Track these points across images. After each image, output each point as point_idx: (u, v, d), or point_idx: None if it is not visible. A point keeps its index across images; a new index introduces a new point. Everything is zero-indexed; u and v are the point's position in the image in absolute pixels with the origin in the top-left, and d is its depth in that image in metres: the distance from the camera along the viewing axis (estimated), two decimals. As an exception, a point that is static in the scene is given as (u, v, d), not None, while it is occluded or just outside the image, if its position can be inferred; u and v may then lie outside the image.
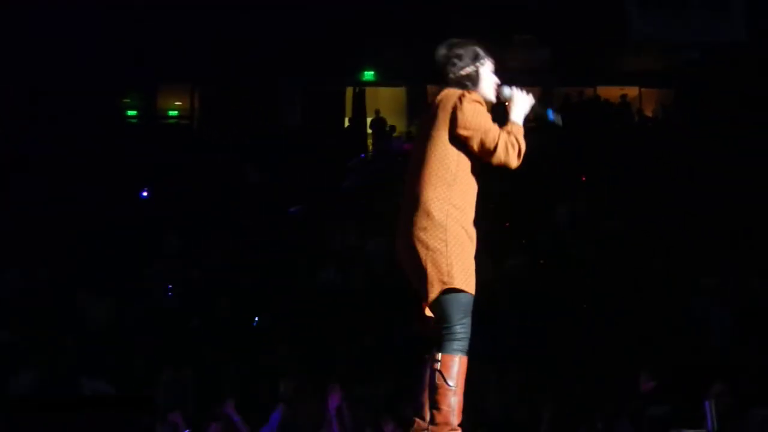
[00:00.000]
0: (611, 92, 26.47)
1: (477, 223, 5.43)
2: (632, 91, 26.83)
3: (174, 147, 22.85)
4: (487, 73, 5.57)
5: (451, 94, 5.45)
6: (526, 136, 5.42)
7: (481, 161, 5.37)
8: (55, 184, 20.34)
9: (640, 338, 16.28)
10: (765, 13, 21.83)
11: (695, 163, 23.06)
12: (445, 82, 5.55)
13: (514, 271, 17.77)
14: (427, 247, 5.25)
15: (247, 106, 24.65)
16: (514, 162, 5.32)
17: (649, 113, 26.90)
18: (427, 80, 26.85)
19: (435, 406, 5.24)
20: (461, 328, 5.28)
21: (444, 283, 5.22)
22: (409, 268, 5.36)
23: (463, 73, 5.51)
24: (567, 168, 22.44)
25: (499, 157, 5.29)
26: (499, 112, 5.61)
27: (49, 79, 23.69)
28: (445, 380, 5.22)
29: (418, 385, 5.38)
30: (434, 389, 5.24)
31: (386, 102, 26.48)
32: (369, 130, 25.35)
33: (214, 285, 17.05)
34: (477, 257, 5.42)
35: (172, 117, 26.87)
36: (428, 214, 5.27)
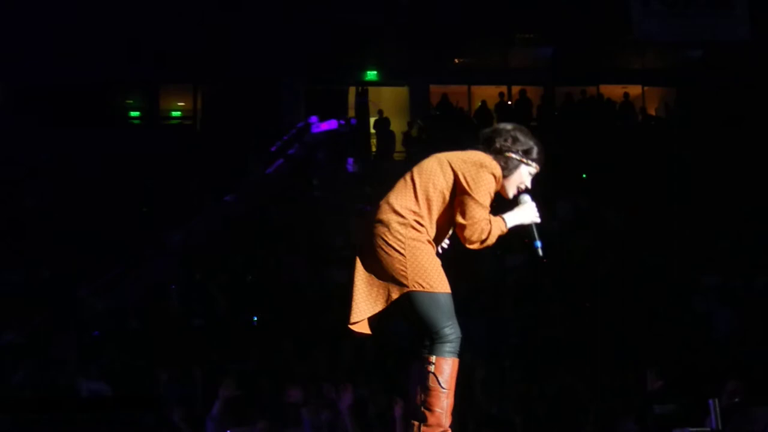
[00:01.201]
0: (614, 91, 26.44)
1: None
2: (635, 90, 26.82)
3: (177, 147, 22.88)
4: (524, 173, 5.56)
5: (483, 153, 5.47)
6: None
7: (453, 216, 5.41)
8: (57, 186, 20.39)
9: (644, 335, 16.29)
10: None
11: (698, 161, 23.06)
12: (487, 146, 5.54)
13: (515, 269, 17.78)
14: (389, 252, 5.29)
15: (249, 106, 24.64)
16: (473, 245, 5.37)
17: (652, 112, 26.88)
18: (429, 80, 26.99)
19: (428, 407, 5.28)
20: (450, 329, 5.31)
21: (404, 285, 5.26)
22: (369, 271, 5.37)
23: (506, 153, 5.51)
24: (569, 166, 22.44)
25: (466, 230, 5.33)
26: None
27: (50, 80, 23.73)
28: (438, 383, 5.26)
29: (411, 388, 5.40)
30: (427, 391, 5.27)
31: (389, 101, 26.47)
32: (372, 130, 25.37)
33: (216, 284, 17.07)
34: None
35: (175, 117, 26.88)
36: (391, 222, 5.33)
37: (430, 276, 5.27)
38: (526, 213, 5.54)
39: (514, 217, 5.51)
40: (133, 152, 22.05)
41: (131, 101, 26.63)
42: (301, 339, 15.40)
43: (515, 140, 5.53)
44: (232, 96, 25.33)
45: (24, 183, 20.29)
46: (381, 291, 5.31)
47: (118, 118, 25.81)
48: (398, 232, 5.29)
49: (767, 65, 23.66)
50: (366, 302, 5.33)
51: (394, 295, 5.27)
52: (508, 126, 5.61)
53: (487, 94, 26.28)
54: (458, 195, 5.34)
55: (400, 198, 5.37)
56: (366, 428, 11.81)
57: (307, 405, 11.94)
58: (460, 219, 5.33)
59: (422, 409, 5.28)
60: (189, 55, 23.62)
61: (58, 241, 18.09)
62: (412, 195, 5.36)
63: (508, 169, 5.49)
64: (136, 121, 26.36)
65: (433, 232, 5.40)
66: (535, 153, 5.55)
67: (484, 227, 5.31)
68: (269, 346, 15.19)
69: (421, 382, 5.31)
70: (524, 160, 5.52)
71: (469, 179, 5.32)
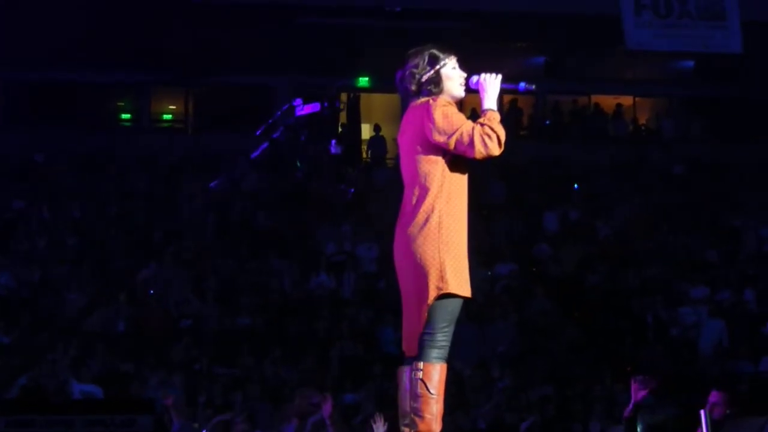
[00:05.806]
0: (606, 101, 26.45)
1: (469, 230, 5.42)
2: (627, 100, 26.82)
3: (168, 150, 22.89)
4: (449, 71, 5.51)
5: (418, 104, 5.42)
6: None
7: (465, 159, 5.33)
8: (50, 187, 20.36)
9: (633, 345, 16.32)
10: (761, 24, 21.86)
11: (689, 172, 23.12)
12: (414, 94, 5.49)
13: (505, 278, 17.79)
14: (422, 256, 5.26)
15: (240, 110, 24.57)
16: (495, 151, 5.25)
17: (643, 122, 26.93)
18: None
19: (418, 414, 5.26)
20: (442, 336, 5.28)
21: (439, 288, 5.23)
22: (404, 277, 5.38)
23: (423, 80, 5.46)
24: (559, 176, 22.49)
25: (480, 151, 5.23)
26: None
27: (45, 83, 23.73)
28: (427, 389, 5.24)
29: (400, 395, 5.38)
30: (417, 398, 5.25)
31: (381, 108, 26.43)
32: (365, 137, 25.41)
33: (204, 288, 17.05)
34: (469, 265, 5.39)
35: (166, 120, 26.82)
36: (421, 225, 5.28)
37: (460, 278, 5.27)
38: (491, 86, 5.50)
39: (489, 98, 5.48)
40: (123, 154, 22.07)
41: (122, 103, 26.58)
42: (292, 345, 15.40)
43: (416, 66, 5.49)
44: (223, 100, 25.29)
45: (14, 183, 20.23)
46: (422, 293, 5.29)
47: (109, 119, 25.76)
48: (432, 235, 5.24)
49: (759, 77, 23.73)
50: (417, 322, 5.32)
51: (432, 298, 5.24)
52: (403, 72, 5.55)
53: (478, 102, 26.16)
54: (446, 148, 5.29)
55: (418, 200, 5.30)
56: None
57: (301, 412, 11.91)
58: (463, 149, 5.26)
59: (412, 415, 5.26)
60: (181, 58, 23.55)
61: (48, 242, 18.04)
62: (422, 191, 5.31)
63: (438, 86, 5.45)
64: (126, 123, 26.30)
65: (459, 202, 5.35)
66: (439, 53, 5.52)
67: (483, 132, 5.25)
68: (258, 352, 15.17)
69: (410, 388, 5.29)
70: (437, 68, 5.48)
71: (435, 130, 5.28)
